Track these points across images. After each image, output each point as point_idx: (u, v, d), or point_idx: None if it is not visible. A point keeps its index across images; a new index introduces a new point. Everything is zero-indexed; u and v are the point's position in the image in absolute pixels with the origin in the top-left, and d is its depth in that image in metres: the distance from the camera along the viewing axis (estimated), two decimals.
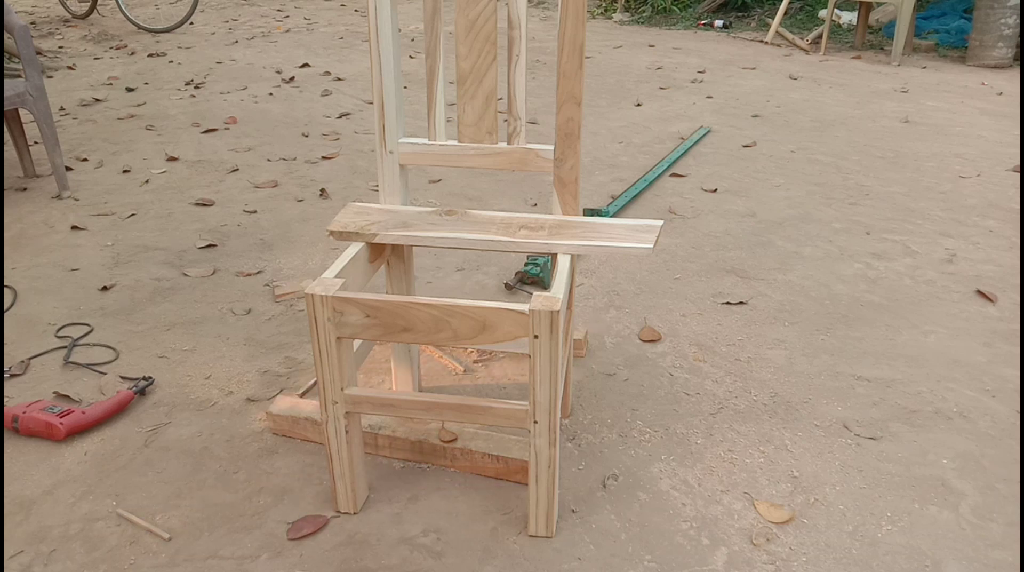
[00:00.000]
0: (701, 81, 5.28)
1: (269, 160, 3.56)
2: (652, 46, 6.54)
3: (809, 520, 1.48)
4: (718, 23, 7.55)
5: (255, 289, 2.37)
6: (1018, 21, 5.72)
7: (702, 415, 1.79)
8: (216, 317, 2.21)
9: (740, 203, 3.10)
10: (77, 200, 3.05)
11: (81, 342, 2.06)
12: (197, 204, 3.04)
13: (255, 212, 2.96)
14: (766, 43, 6.78)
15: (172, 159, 3.55)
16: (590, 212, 2.77)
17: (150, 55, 5.82)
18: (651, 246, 1.42)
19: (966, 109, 4.65)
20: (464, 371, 1.95)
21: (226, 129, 4.03)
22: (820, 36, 6.53)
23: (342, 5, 8.48)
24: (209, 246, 2.66)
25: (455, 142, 1.60)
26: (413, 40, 6.43)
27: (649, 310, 2.26)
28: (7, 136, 3.49)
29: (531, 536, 1.43)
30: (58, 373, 1.94)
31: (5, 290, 2.31)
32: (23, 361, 1.97)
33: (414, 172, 3.41)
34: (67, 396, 1.82)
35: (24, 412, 1.69)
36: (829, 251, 2.67)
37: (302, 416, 1.68)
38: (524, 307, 1.26)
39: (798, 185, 3.31)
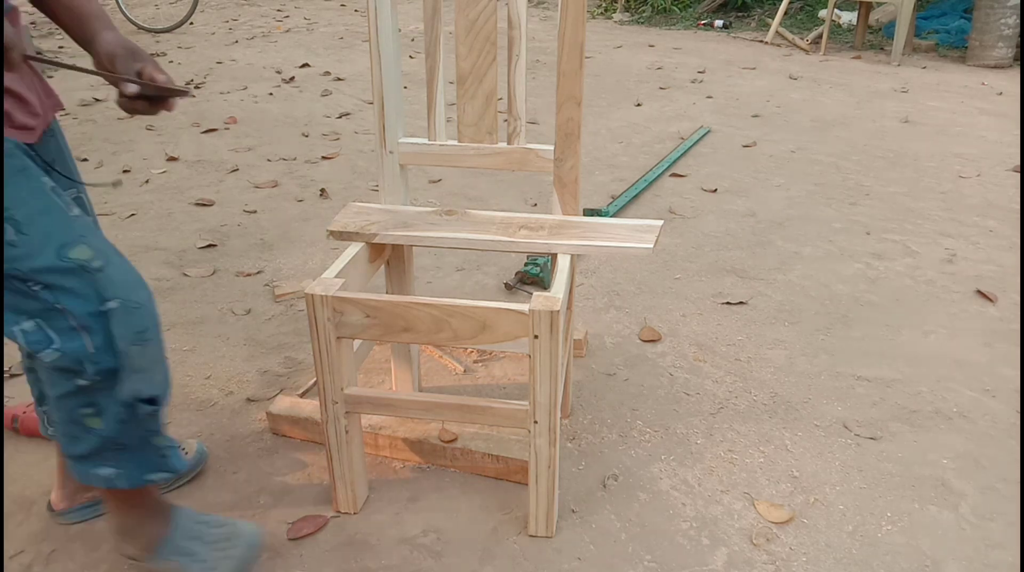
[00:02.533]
0: (701, 81, 5.28)
1: (269, 160, 3.56)
2: (652, 46, 6.55)
3: (809, 520, 1.48)
4: (718, 23, 7.55)
5: (255, 289, 2.37)
6: (1018, 21, 5.71)
7: (702, 415, 1.79)
8: (216, 317, 2.21)
9: (740, 203, 3.10)
10: None
11: None
12: (197, 204, 3.04)
13: (255, 212, 2.96)
14: (766, 43, 6.78)
15: (172, 159, 3.55)
16: (590, 212, 2.77)
17: (150, 55, 5.82)
18: (651, 246, 1.42)
19: (966, 109, 4.65)
20: (464, 371, 1.95)
21: (226, 129, 4.03)
22: (820, 36, 6.53)
23: (342, 5, 8.48)
24: (209, 246, 2.66)
25: (455, 142, 1.60)
26: (413, 40, 6.43)
27: (649, 310, 2.26)
28: None
29: (531, 536, 1.43)
30: None
31: None
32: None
33: (414, 172, 3.41)
34: None
35: (24, 412, 1.69)
36: (829, 251, 2.67)
37: (302, 416, 1.68)
38: (524, 307, 1.26)
39: (798, 185, 3.31)
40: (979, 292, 2.37)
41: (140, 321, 1.11)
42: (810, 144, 3.91)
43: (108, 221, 2.86)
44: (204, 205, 3.03)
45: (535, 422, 1.33)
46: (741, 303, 2.30)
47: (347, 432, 1.42)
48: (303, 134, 3.95)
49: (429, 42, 1.53)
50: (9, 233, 1.00)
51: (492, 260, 2.56)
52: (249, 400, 1.84)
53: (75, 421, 1.14)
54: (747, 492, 1.55)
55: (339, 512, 1.49)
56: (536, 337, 1.26)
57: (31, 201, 1.03)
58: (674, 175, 3.41)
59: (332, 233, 1.50)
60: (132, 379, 1.12)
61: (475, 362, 1.99)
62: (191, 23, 7.16)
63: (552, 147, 1.56)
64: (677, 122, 4.28)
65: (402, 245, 1.62)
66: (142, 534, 1.27)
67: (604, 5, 8.48)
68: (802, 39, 6.67)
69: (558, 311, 1.24)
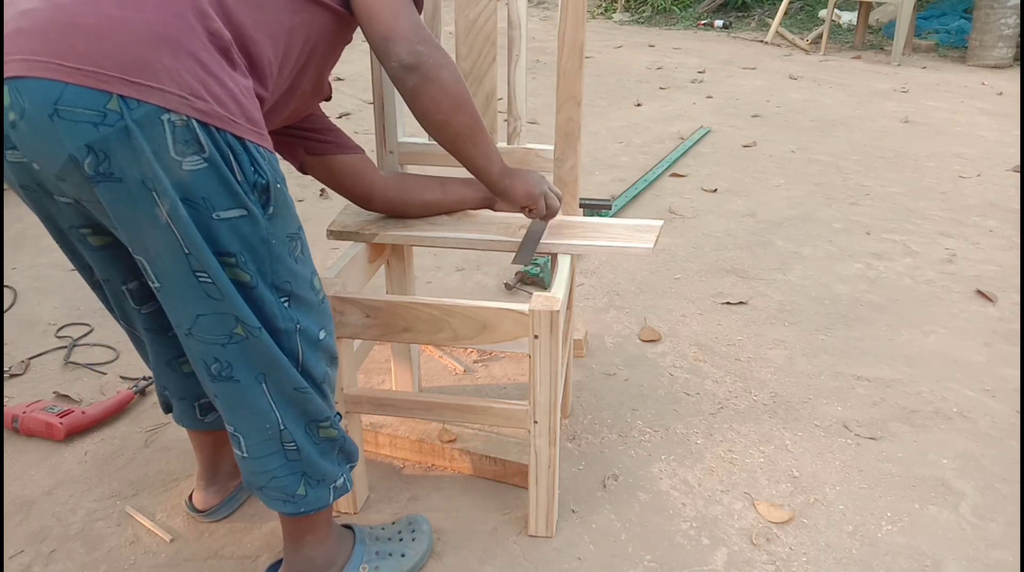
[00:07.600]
0: (701, 81, 5.29)
1: None
2: (652, 46, 6.55)
3: (809, 520, 1.48)
4: (718, 23, 7.56)
5: None
6: (1018, 21, 5.72)
7: (702, 415, 1.79)
8: None
9: (740, 203, 3.10)
10: None
11: (81, 342, 2.06)
12: None
13: None
14: (766, 43, 6.78)
15: None
16: (591, 212, 2.76)
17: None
18: (651, 246, 1.42)
19: (966, 109, 4.66)
20: (464, 371, 1.95)
21: None
22: (820, 36, 6.53)
23: None
24: None
25: None
26: None
27: (649, 310, 2.26)
28: None
29: (531, 536, 1.43)
30: (58, 373, 1.93)
31: (5, 290, 2.31)
32: (23, 361, 1.97)
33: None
34: (67, 396, 1.82)
35: (24, 412, 1.69)
36: (829, 251, 2.67)
37: None
38: (524, 307, 1.26)
39: (798, 185, 3.31)
40: (979, 292, 2.37)
41: (334, 349, 1.19)
42: (810, 144, 3.91)
43: None
44: None
45: (535, 422, 1.33)
46: (741, 303, 2.30)
47: (347, 431, 1.42)
48: None
49: None
50: (297, 249, 1.07)
51: (492, 260, 2.56)
52: None
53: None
54: (747, 492, 1.55)
55: (339, 512, 1.49)
56: (536, 337, 1.26)
57: (301, 227, 1.10)
58: (674, 175, 3.41)
59: (332, 233, 1.50)
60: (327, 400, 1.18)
61: (475, 362, 1.99)
62: None
63: (552, 147, 1.56)
64: (677, 122, 4.28)
65: (402, 245, 1.62)
66: (331, 562, 1.28)
67: (604, 5, 8.49)
68: (802, 39, 6.67)
69: (558, 311, 1.24)
